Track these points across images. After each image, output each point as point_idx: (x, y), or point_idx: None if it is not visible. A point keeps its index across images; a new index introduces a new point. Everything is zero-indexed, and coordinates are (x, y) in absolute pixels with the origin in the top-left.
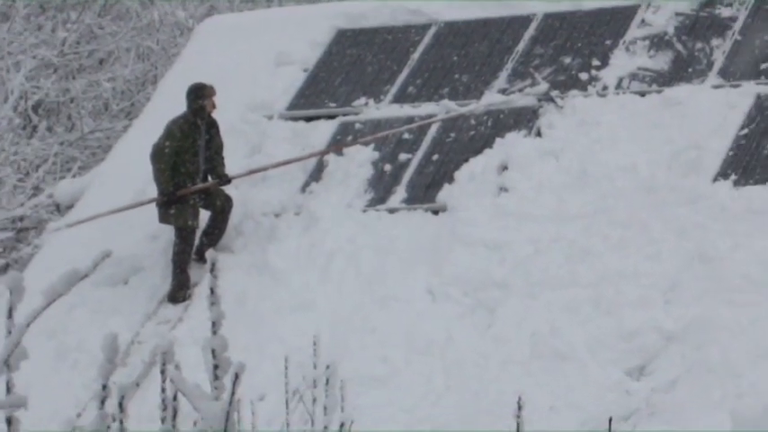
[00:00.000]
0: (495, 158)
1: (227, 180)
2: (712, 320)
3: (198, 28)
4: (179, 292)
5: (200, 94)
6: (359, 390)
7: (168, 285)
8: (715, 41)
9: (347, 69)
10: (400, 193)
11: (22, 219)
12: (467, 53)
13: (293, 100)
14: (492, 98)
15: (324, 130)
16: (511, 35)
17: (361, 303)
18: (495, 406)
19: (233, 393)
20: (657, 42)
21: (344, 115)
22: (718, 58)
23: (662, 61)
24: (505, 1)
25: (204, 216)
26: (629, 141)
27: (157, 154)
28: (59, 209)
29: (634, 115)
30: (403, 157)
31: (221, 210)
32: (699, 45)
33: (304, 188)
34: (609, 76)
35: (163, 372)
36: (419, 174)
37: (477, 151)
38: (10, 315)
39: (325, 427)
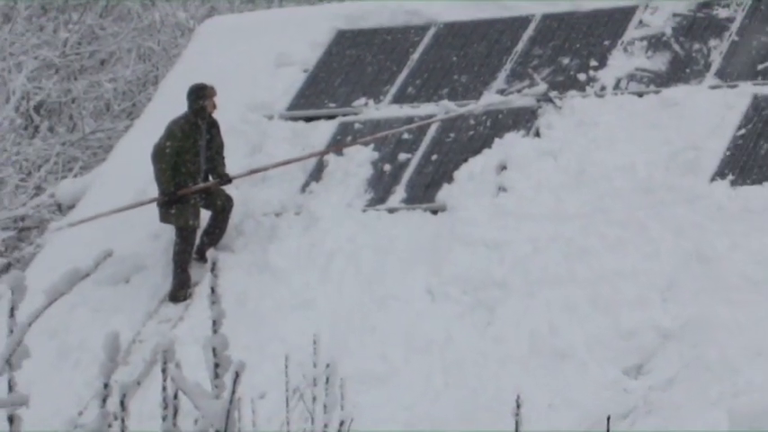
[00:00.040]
0: (493, 158)
1: (228, 180)
2: (710, 319)
3: (199, 29)
4: (180, 291)
5: (200, 95)
6: (359, 388)
7: (169, 284)
8: (712, 42)
9: (347, 70)
10: (400, 192)
11: (23, 218)
12: (466, 54)
13: (293, 100)
14: (491, 98)
15: (324, 131)
16: (509, 36)
17: (361, 302)
18: (493, 404)
19: (233, 392)
20: (655, 43)
21: (344, 115)
22: (716, 59)
23: (660, 62)
24: (504, 2)
25: (205, 216)
26: (626, 141)
27: (158, 154)
28: (61, 208)
29: (632, 116)
30: (402, 157)
31: (222, 209)
32: (696, 46)
33: (304, 188)
34: (607, 76)
35: (164, 370)
36: (418, 174)
37: (476, 151)
38: (12, 314)
39: (326, 426)
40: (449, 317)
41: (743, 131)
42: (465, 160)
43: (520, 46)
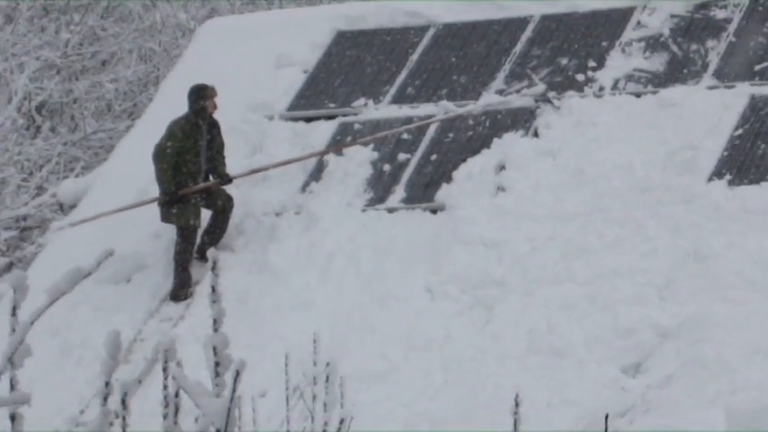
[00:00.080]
0: (492, 158)
1: (229, 180)
2: (707, 318)
3: (199, 30)
4: (181, 290)
5: (201, 95)
6: (358, 386)
7: (170, 283)
8: (710, 43)
9: (347, 70)
10: (399, 192)
11: (25, 218)
12: (465, 54)
13: (293, 101)
14: (490, 99)
15: (324, 131)
16: (508, 37)
17: (361, 301)
18: (492, 401)
19: (234, 390)
20: (653, 44)
21: (344, 116)
22: (713, 60)
23: (657, 62)
24: (503, 2)
25: (206, 215)
26: (624, 141)
27: (159, 154)
28: (63, 208)
29: (630, 116)
30: (402, 157)
31: (222, 209)
32: (694, 46)
33: (304, 188)
34: (605, 77)
35: (165, 369)
36: (418, 173)
37: (475, 151)
38: (14, 313)
39: (326, 424)
40: (448, 315)
41: (740, 132)
42: (464, 160)
43: (518, 47)
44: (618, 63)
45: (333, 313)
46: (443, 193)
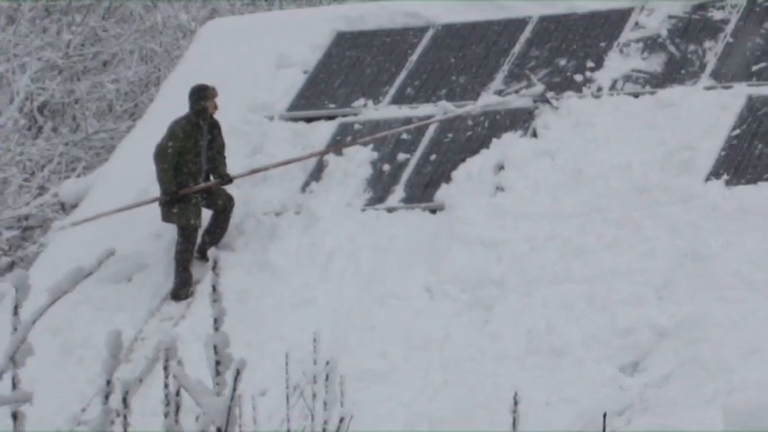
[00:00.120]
0: (491, 158)
1: (229, 180)
2: (704, 317)
3: (200, 31)
4: (182, 289)
5: (202, 96)
6: (358, 385)
7: (171, 283)
8: (707, 44)
9: (346, 71)
10: (399, 192)
11: (27, 217)
12: (464, 55)
13: (294, 101)
14: (488, 99)
15: (324, 131)
16: (507, 38)
17: (361, 301)
18: (491, 401)
19: (234, 389)
20: (651, 45)
21: (344, 116)
22: (711, 60)
23: (655, 63)
24: (502, 2)
25: (206, 215)
26: (622, 142)
27: (160, 154)
28: (64, 208)
29: (628, 116)
30: (401, 157)
31: (223, 209)
32: (691, 47)
33: (304, 188)
34: (603, 77)
35: (166, 368)
36: (417, 173)
37: (474, 151)
38: (16, 312)
39: (325, 422)
40: (447, 315)
41: (737, 132)
42: (463, 160)
43: (517, 47)
44: (616, 64)
45: (333, 312)
46: (442, 192)
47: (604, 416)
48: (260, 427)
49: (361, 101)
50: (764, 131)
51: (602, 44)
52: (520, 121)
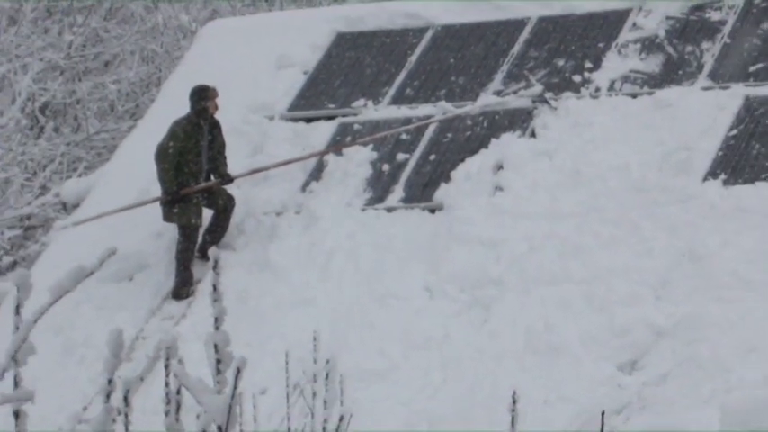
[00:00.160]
0: (490, 158)
1: (230, 179)
2: (702, 317)
3: (201, 31)
4: (182, 288)
5: (203, 96)
6: (358, 384)
7: (172, 282)
8: (705, 44)
9: (346, 72)
10: (398, 192)
11: (29, 217)
12: (463, 56)
13: (294, 101)
14: (487, 100)
15: (323, 131)
16: (506, 38)
17: (361, 300)
18: (490, 399)
19: (235, 387)
20: (649, 45)
21: (344, 116)
22: (708, 61)
23: (653, 64)
24: (500, 3)
25: (207, 215)
26: (620, 142)
27: (161, 154)
28: (66, 207)
29: (626, 116)
30: (401, 157)
31: (224, 208)
32: (689, 48)
33: (304, 187)
34: (601, 78)
35: (167, 366)
36: (416, 173)
37: (473, 151)
38: (17, 311)
39: (325, 421)
40: (446, 314)
41: (735, 132)
42: (462, 160)
43: (516, 48)
44: (614, 64)
45: (332, 311)
46: (442, 192)
47: (602, 414)
48: (260, 425)
49: (361, 101)
50: (761, 132)
51: (601, 45)
52: (518, 121)
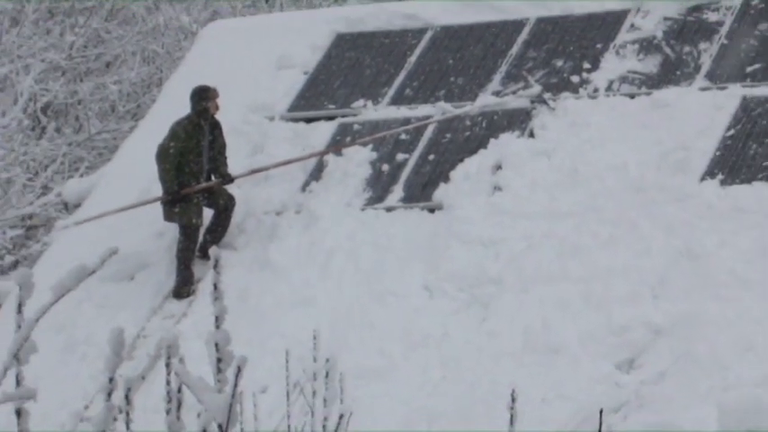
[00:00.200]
0: (489, 158)
1: (230, 179)
2: (699, 315)
3: (201, 32)
4: (183, 287)
5: (203, 96)
6: (358, 382)
7: (173, 281)
8: (702, 45)
9: (346, 72)
10: (398, 192)
11: (31, 217)
12: (462, 56)
13: (294, 102)
14: (486, 100)
15: (323, 131)
16: (504, 39)
17: (360, 299)
18: (489, 397)
19: (235, 386)
20: (646, 46)
21: (343, 116)
22: (706, 62)
23: (651, 64)
24: (499, 4)
25: (208, 214)
26: (618, 142)
27: (162, 154)
28: (67, 207)
29: (624, 117)
30: (400, 157)
31: (224, 208)
32: (687, 49)
33: (304, 187)
34: (599, 78)
35: (168, 365)
36: (416, 173)
37: (472, 151)
38: (20, 310)
39: (325, 419)
40: (445, 313)
41: (732, 132)
42: (461, 160)
43: (515, 49)
44: (612, 65)
45: (332, 310)
46: (441, 192)
47: (600, 412)
48: (261, 423)
49: (361, 101)
50: (759, 132)
51: (599, 46)
52: (517, 121)
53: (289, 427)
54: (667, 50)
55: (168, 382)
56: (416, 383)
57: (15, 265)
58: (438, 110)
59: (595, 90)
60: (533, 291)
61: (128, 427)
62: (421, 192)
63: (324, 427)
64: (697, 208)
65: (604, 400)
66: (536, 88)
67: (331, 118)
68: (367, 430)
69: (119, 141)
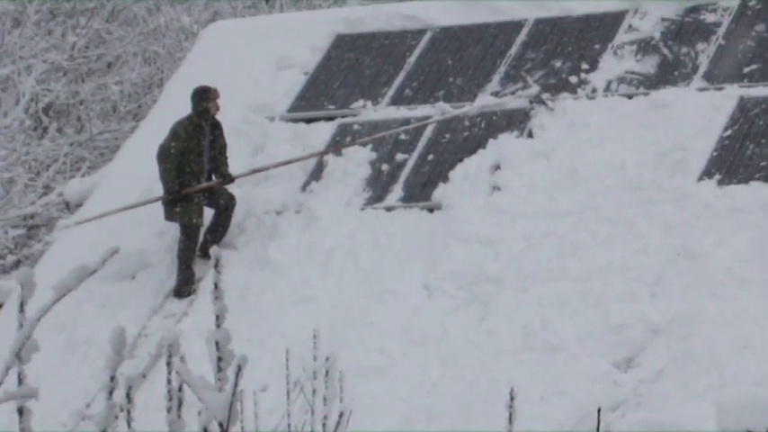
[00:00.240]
0: (488, 158)
1: (231, 179)
2: (697, 314)
3: (202, 33)
4: (184, 287)
5: (204, 97)
6: (357, 380)
7: (174, 280)
8: (700, 46)
9: (346, 73)
10: (397, 191)
11: (33, 216)
12: (461, 57)
13: (294, 102)
14: (485, 100)
15: (323, 132)
16: (503, 40)
17: (360, 298)
18: (488, 395)
19: (236, 384)
20: (644, 47)
21: (343, 117)
22: (703, 62)
23: (649, 65)
24: (498, 5)
25: (208, 214)
26: (617, 142)
27: (163, 154)
28: (69, 207)
29: (622, 117)
30: (400, 157)
31: (225, 208)
32: (684, 49)
33: (304, 187)
34: (598, 79)
35: (168, 364)
36: (415, 173)
37: (471, 151)
38: (21, 309)
39: (325, 417)
40: (444, 311)
41: (729, 132)
42: (460, 160)
43: (513, 50)
44: (610, 65)
45: (332, 309)
46: (440, 192)
47: (599, 410)
48: (261, 422)
49: (360, 102)
50: (756, 132)
51: (597, 46)
52: (516, 121)
53: (289, 425)
54: (665, 51)
55: (169, 381)
56: (416, 382)
57: (17, 264)
58: (437, 110)
59: (594, 90)
60: (532, 289)
61: (129, 426)
62: (420, 191)
63: (324, 425)
64: (694, 207)
65: (602, 399)
66: (535, 89)
67: (331, 118)
68: (367, 429)
69: (120, 141)
